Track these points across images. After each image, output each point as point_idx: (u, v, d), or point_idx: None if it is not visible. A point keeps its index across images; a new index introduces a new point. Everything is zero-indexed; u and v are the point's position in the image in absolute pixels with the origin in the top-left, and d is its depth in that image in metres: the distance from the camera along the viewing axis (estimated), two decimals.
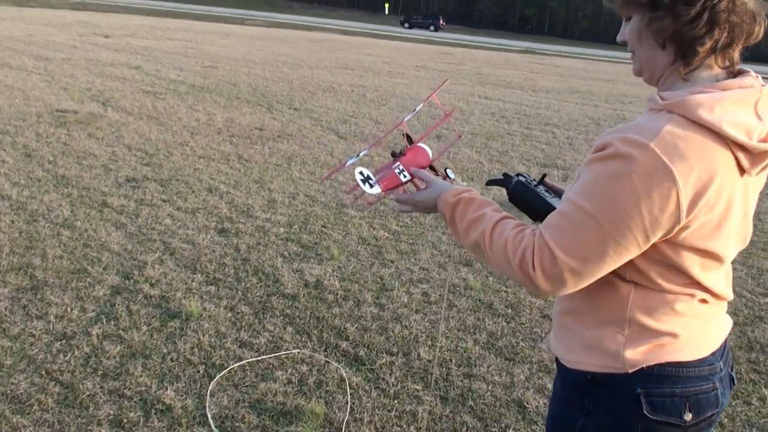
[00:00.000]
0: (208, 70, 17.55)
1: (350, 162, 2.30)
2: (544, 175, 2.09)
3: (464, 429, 3.67)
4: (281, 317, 4.68)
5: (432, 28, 77.51)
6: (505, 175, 2.10)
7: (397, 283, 5.36)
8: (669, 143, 1.60)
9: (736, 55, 1.74)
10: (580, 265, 1.68)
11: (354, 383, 3.99)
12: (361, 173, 2.08)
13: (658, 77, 1.79)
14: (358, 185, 2.07)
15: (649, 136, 1.62)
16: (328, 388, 3.92)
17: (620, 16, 1.82)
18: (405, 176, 2.18)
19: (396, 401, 3.86)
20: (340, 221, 6.70)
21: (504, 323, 4.86)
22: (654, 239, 1.67)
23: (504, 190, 2.11)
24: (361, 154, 2.35)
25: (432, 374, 4.14)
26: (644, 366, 1.80)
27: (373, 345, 4.41)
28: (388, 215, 6.99)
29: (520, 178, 2.04)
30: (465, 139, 11.42)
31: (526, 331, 4.76)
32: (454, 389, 4.01)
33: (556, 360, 2.03)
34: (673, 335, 1.81)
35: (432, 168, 2.31)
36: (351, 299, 5.03)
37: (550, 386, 4.09)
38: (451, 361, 4.30)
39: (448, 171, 2.33)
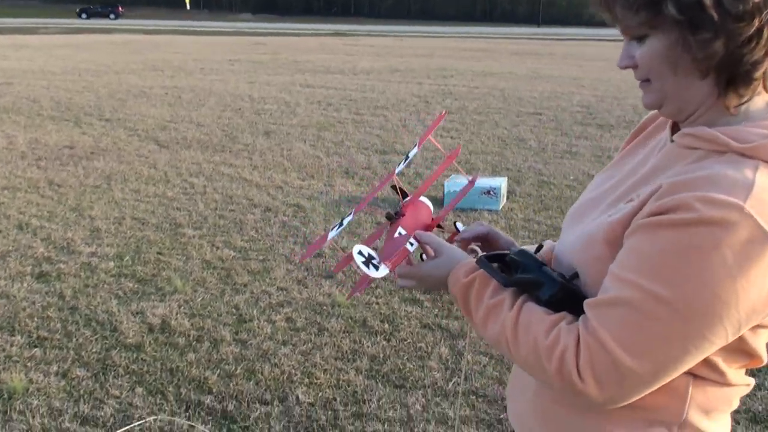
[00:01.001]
0: (2, 87, 16.01)
1: (333, 233, 1.69)
2: (540, 246, 1.55)
3: None
4: (127, 376, 3.95)
5: (112, 16, 77.38)
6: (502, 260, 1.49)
7: (255, 312, 4.71)
8: (765, 202, 1.15)
9: None
10: (653, 370, 1.21)
11: None
12: (360, 253, 1.51)
13: (691, 112, 1.30)
14: (358, 267, 1.50)
15: (739, 193, 1.15)
16: None
17: (626, 35, 1.31)
18: (411, 243, 1.61)
19: None
20: (177, 244, 5.96)
21: (384, 342, 4.33)
22: (745, 329, 1.21)
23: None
24: (345, 222, 1.73)
25: (317, 421, 3.55)
26: None
27: (242, 394, 3.77)
28: (230, 230, 6.31)
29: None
30: (296, 133, 10.82)
31: (410, 349, 4.25)
32: None
33: None
34: None
35: (439, 227, 1.75)
36: (206, 339, 4.35)
37: (450, 413, 3.60)
38: (335, 399, 3.73)
39: (459, 225, 1.76)
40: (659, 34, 1.24)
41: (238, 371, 3.98)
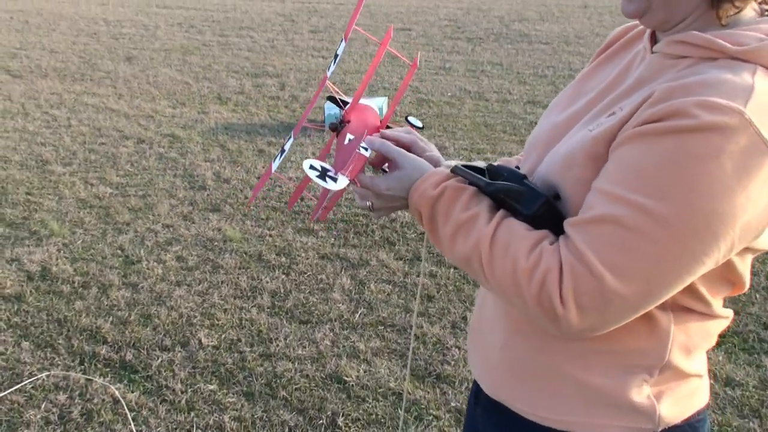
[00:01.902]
0: None
1: (276, 163, 1.48)
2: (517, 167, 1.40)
3: (286, 431, 3.02)
4: (10, 330, 3.68)
5: None
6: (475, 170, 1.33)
7: (142, 252, 4.47)
8: (765, 109, 1.04)
9: None
10: (641, 294, 1.09)
11: (132, 402, 3.17)
12: (312, 167, 1.34)
13: (677, 21, 1.20)
14: (312, 183, 1.34)
15: (739, 98, 1.04)
16: (101, 419, 3.07)
17: None
18: (365, 148, 1.43)
19: (193, 414, 3.10)
20: (47, 183, 5.57)
21: (283, 276, 4.19)
22: (736, 250, 1.11)
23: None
24: (287, 148, 1.52)
25: (224, 365, 3.41)
26: (678, 422, 1.29)
27: (140, 342, 3.57)
28: (103, 165, 5.95)
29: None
30: (160, 58, 10.29)
31: (311, 282, 4.13)
32: (256, 379, 3.31)
33: (489, 402, 1.43)
34: (700, 376, 1.33)
35: (389, 127, 1.54)
36: (93, 285, 4.09)
37: (361, 346, 3.53)
38: (240, 341, 3.59)
39: (411, 119, 1.56)
40: None
41: (132, 317, 3.77)
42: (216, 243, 4.59)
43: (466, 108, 7.66)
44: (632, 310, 1.12)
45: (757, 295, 3.97)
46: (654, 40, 1.28)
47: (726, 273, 1.21)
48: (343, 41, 1.59)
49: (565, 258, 1.12)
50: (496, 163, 1.33)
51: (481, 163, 1.33)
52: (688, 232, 1.06)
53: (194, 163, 5.97)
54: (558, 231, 1.19)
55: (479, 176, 1.27)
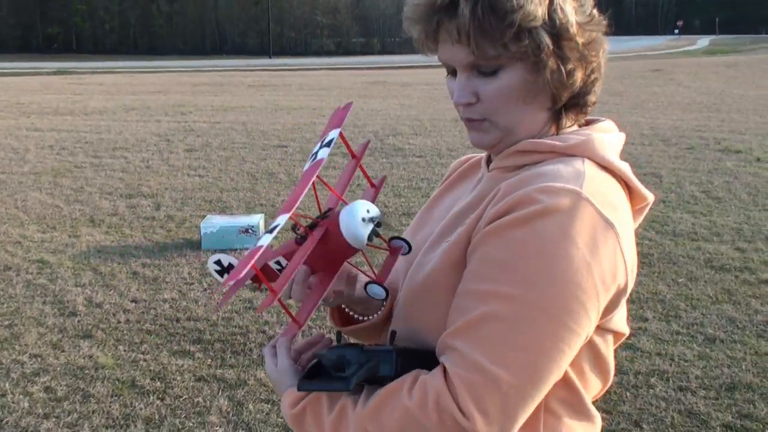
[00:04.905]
0: None
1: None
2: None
3: None
4: None
5: None
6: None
7: (8, 385, 4.26)
8: (597, 190, 1.17)
9: None
10: (532, 381, 1.14)
11: None
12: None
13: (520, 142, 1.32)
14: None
15: (573, 181, 1.16)
16: None
17: (471, 69, 1.26)
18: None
19: None
20: None
21: (158, 401, 4.07)
22: (597, 320, 1.20)
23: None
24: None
25: None
26: None
27: None
28: None
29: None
30: (29, 181, 10.05)
31: (187, 406, 4.02)
32: None
33: None
34: None
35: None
36: None
37: None
38: None
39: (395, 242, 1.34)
40: (517, 66, 1.23)
41: None
42: (87, 371, 4.42)
43: None
44: (530, 399, 1.15)
45: (627, 393, 4.10)
46: (489, 161, 1.37)
47: (592, 356, 1.26)
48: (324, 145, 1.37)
49: (452, 371, 1.14)
50: (324, 350, 1.29)
51: (318, 355, 1.29)
52: (559, 308, 1.13)
53: (64, 289, 5.79)
54: (424, 365, 1.20)
55: (332, 382, 1.23)
